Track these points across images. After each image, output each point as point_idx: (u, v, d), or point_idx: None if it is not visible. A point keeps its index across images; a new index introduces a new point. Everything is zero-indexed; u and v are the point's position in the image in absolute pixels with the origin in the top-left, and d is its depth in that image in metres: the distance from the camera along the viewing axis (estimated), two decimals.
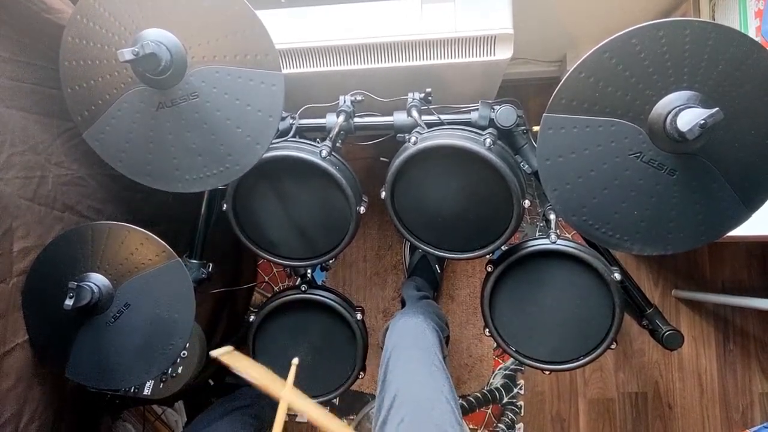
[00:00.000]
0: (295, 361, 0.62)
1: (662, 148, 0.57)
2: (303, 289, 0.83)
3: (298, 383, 0.86)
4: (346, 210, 0.72)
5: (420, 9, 0.82)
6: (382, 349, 0.86)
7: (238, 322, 1.31)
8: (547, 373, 0.77)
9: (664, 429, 1.29)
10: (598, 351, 0.73)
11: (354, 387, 0.89)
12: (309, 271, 0.84)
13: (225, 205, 0.74)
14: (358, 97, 0.79)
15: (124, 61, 0.57)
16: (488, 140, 0.66)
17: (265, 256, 0.78)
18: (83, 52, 0.63)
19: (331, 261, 0.84)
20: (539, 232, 1.34)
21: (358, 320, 0.83)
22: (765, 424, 1.23)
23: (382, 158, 1.34)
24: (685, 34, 0.53)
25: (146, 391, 0.91)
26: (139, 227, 0.71)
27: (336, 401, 1.35)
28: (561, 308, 0.74)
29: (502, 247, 0.74)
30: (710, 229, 0.61)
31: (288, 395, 0.55)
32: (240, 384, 1.28)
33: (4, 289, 0.67)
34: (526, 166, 0.77)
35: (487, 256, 0.74)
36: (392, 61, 0.86)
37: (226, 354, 0.56)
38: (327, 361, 0.86)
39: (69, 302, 0.65)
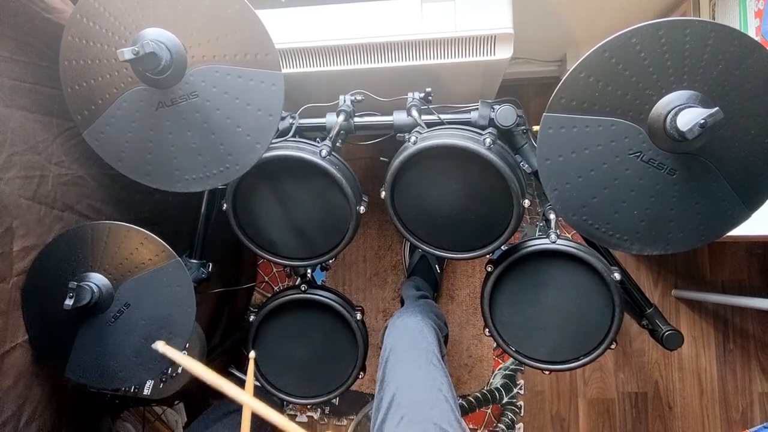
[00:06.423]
0: (252, 354, 0.61)
1: (662, 148, 0.57)
2: (303, 288, 0.83)
3: (299, 383, 0.86)
4: (345, 209, 0.72)
5: (420, 9, 0.82)
6: (381, 348, 0.86)
7: (238, 321, 1.31)
8: (547, 373, 0.77)
9: (663, 429, 1.29)
10: (598, 351, 0.73)
11: (354, 387, 0.89)
12: (309, 270, 0.84)
13: (225, 205, 0.74)
14: (358, 97, 0.79)
15: (123, 60, 0.57)
16: (488, 140, 0.66)
17: (265, 255, 0.78)
18: (83, 52, 0.63)
19: (330, 261, 0.84)
20: (539, 231, 1.34)
21: (358, 320, 0.83)
22: (765, 424, 1.23)
23: (381, 158, 1.34)
24: (685, 34, 0.53)
25: (146, 391, 0.91)
26: (139, 227, 0.71)
27: (336, 401, 1.35)
28: (561, 308, 0.74)
29: (502, 247, 0.74)
30: (710, 228, 0.61)
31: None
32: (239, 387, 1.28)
33: (4, 289, 0.67)
34: (526, 165, 0.77)
35: (487, 256, 0.74)
36: (392, 60, 0.86)
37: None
38: (327, 361, 0.86)
39: (69, 302, 0.65)
